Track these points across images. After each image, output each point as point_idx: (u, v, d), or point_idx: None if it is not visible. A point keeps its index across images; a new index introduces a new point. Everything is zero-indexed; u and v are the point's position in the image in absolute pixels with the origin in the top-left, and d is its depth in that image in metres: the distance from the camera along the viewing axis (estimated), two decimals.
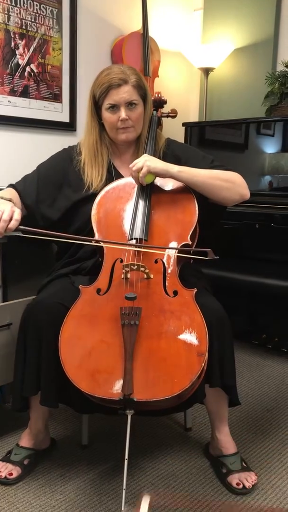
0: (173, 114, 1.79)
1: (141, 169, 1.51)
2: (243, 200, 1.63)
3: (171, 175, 1.54)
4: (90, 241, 1.53)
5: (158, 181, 1.61)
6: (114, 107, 1.59)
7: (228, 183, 1.59)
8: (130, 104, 1.59)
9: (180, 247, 1.50)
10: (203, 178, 1.57)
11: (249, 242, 2.50)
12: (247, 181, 1.65)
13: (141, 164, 1.52)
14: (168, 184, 1.61)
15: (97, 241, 1.52)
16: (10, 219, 1.43)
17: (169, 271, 1.46)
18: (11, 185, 1.71)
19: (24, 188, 1.68)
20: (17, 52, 2.42)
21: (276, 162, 2.55)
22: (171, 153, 1.71)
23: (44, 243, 1.79)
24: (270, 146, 2.58)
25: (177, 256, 1.48)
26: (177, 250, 1.49)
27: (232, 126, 2.71)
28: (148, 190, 1.58)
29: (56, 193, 1.69)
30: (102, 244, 1.51)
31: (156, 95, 1.77)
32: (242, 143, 2.68)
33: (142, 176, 1.52)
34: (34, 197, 1.67)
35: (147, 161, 1.52)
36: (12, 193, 1.65)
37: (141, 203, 1.56)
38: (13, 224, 1.44)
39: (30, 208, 1.66)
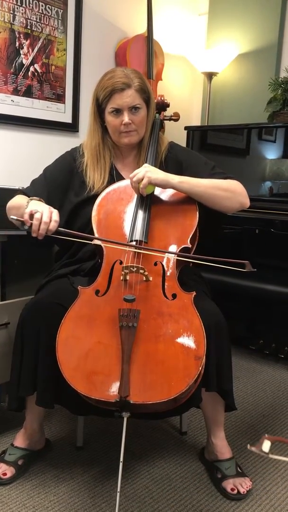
0: (175, 117, 1.79)
1: (142, 179, 1.50)
2: (243, 208, 1.64)
3: (172, 186, 1.54)
4: (126, 246, 1.49)
5: None
6: (117, 111, 1.58)
7: (228, 192, 1.59)
8: (133, 108, 1.58)
9: (180, 250, 1.50)
10: (204, 188, 1.56)
11: (249, 248, 2.50)
12: (247, 187, 1.65)
13: (142, 175, 1.50)
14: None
15: (136, 247, 1.48)
16: (50, 220, 1.41)
17: (168, 274, 1.46)
18: (20, 192, 1.68)
19: (36, 194, 1.63)
20: (21, 51, 2.42)
21: (277, 168, 2.55)
22: (173, 157, 1.70)
23: (48, 246, 1.78)
24: (271, 152, 2.58)
25: (177, 259, 1.48)
26: (212, 261, 1.39)
27: (234, 131, 2.72)
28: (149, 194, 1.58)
29: (63, 198, 1.68)
30: (98, 242, 1.48)
31: (159, 98, 1.77)
32: (243, 148, 2.68)
33: (142, 187, 1.51)
34: (45, 202, 1.64)
35: (147, 172, 1.51)
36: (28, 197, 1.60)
37: (141, 205, 1.56)
38: (53, 225, 1.41)
39: None
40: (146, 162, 1.61)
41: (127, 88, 1.56)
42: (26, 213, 1.42)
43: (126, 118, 1.58)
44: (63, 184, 1.69)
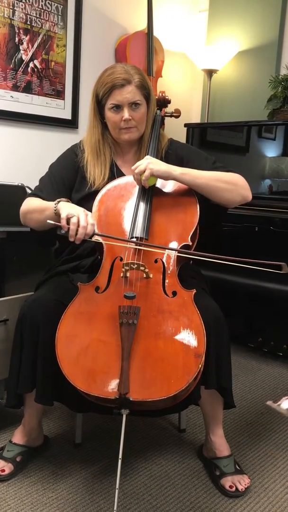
0: (176, 114, 1.79)
1: (144, 171, 1.50)
2: (245, 201, 1.63)
3: (174, 178, 1.53)
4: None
5: (160, 181, 1.60)
6: (117, 107, 1.58)
7: (230, 185, 1.58)
8: (133, 104, 1.58)
9: (180, 247, 1.49)
10: (206, 180, 1.56)
11: (248, 245, 2.50)
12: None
13: (144, 167, 1.50)
14: (170, 184, 1.61)
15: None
16: (87, 224, 1.39)
17: (168, 271, 1.46)
18: (32, 194, 1.65)
19: (47, 196, 1.61)
20: (21, 47, 2.41)
21: (277, 166, 2.55)
22: (173, 153, 1.70)
23: (52, 242, 1.75)
24: (271, 150, 2.58)
25: (177, 256, 1.48)
26: (249, 263, 1.40)
27: (234, 129, 2.71)
28: (150, 190, 1.57)
29: (68, 196, 1.67)
30: (98, 238, 1.48)
31: (160, 94, 1.77)
32: (243, 146, 2.68)
33: (144, 179, 1.51)
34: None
35: (149, 164, 1.51)
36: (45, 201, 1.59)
37: (142, 202, 1.55)
38: (90, 229, 1.40)
39: None
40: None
41: (127, 84, 1.56)
42: (63, 218, 1.40)
43: (126, 114, 1.57)
44: (69, 181, 1.68)
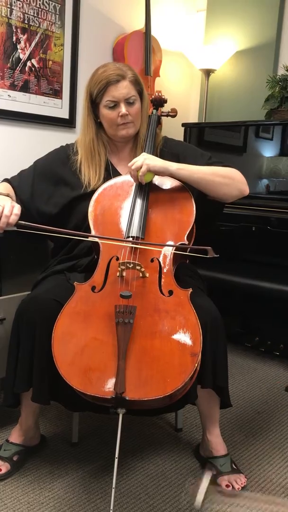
0: (173, 114, 1.79)
1: (140, 167, 1.51)
2: (243, 195, 1.63)
3: (170, 173, 1.54)
4: (87, 237, 1.52)
5: (156, 180, 1.60)
6: (113, 104, 1.58)
7: (227, 179, 1.59)
8: (129, 100, 1.59)
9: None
10: (202, 175, 1.56)
11: (245, 245, 2.50)
12: None
13: (140, 163, 1.51)
14: (166, 183, 1.61)
15: (93, 237, 1.51)
16: (10, 214, 1.45)
17: (164, 270, 1.46)
18: (6, 180, 1.71)
19: (20, 183, 1.68)
20: (18, 46, 2.40)
21: (274, 166, 2.55)
22: (169, 150, 1.70)
23: (39, 240, 1.79)
24: (268, 150, 2.58)
25: (173, 255, 1.48)
26: (174, 248, 1.48)
27: (231, 128, 2.71)
28: (146, 189, 1.57)
29: (51, 190, 1.68)
30: (98, 240, 1.50)
31: (156, 93, 1.77)
32: (240, 146, 2.68)
33: (141, 175, 1.51)
34: (29, 192, 1.67)
35: (146, 159, 1.52)
36: (8, 188, 1.65)
37: (138, 201, 1.55)
38: (13, 219, 1.46)
39: (25, 203, 1.66)
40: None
41: (122, 79, 1.58)
42: None
43: (123, 109, 1.59)
44: (53, 176, 1.70)
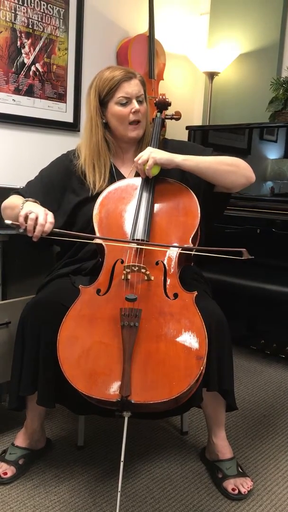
0: (177, 116, 1.79)
1: (147, 161, 1.52)
2: (250, 183, 1.63)
3: (177, 164, 1.55)
4: (128, 242, 1.50)
5: (161, 183, 1.61)
6: (126, 100, 1.61)
7: (233, 167, 1.60)
8: (139, 98, 1.63)
9: (181, 250, 1.49)
10: (208, 164, 1.57)
11: (250, 247, 2.49)
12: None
13: (147, 157, 1.53)
14: (171, 186, 1.61)
15: (138, 243, 1.48)
16: (45, 222, 1.43)
17: (169, 273, 1.45)
18: (16, 192, 1.69)
19: (30, 195, 1.64)
20: (22, 51, 2.42)
21: (278, 168, 2.55)
22: (170, 150, 1.70)
23: (45, 248, 1.79)
24: (272, 152, 2.58)
25: (178, 258, 1.48)
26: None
27: (235, 131, 2.71)
28: (151, 191, 1.58)
29: (60, 198, 1.68)
30: (105, 243, 1.50)
31: (160, 96, 1.77)
32: (245, 148, 2.68)
33: (148, 169, 1.53)
34: (40, 203, 1.65)
35: (152, 153, 1.53)
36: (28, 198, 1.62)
37: (143, 204, 1.55)
38: (48, 227, 1.44)
39: None
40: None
41: (134, 77, 1.63)
42: (21, 215, 1.44)
43: (136, 105, 1.62)
44: (60, 184, 1.69)
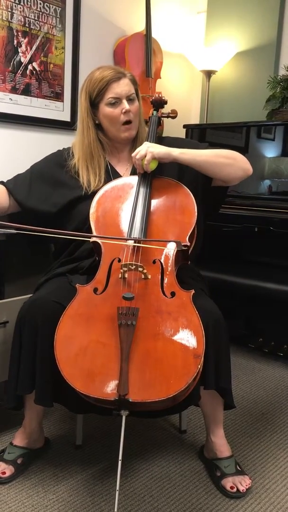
0: (173, 115, 1.79)
1: (145, 156, 1.53)
2: (247, 175, 1.64)
3: (174, 158, 1.56)
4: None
5: (158, 182, 1.61)
6: (115, 100, 1.60)
7: (230, 159, 1.61)
8: (130, 97, 1.62)
9: (178, 248, 1.49)
10: (205, 157, 1.58)
11: (248, 246, 2.50)
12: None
13: (144, 152, 1.53)
14: (168, 185, 1.61)
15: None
16: None
17: (167, 272, 1.45)
18: (1, 182, 1.73)
19: (15, 185, 1.70)
20: (19, 50, 2.41)
21: (276, 166, 2.55)
22: (166, 146, 1.71)
23: (39, 243, 1.80)
24: (270, 150, 2.58)
25: (175, 256, 1.48)
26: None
27: (233, 129, 2.71)
28: (148, 190, 1.57)
29: (49, 190, 1.70)
30: (96, 240, 1.50)
31: (156, 95, 1.77)
32: (242, 147, 2.67)
33: (146, 163, 1.53)
34: (25, 192, 1.69)
35: (149, 148, 1.54)
36: None
37: (140, 203, 1.55)
38: None
39: (23, 204, 1.68)
40: None
41: (123, 77, 1.62)
42: None
43: (126, 105, 1.61)
44: (51, 177, 1.71)
